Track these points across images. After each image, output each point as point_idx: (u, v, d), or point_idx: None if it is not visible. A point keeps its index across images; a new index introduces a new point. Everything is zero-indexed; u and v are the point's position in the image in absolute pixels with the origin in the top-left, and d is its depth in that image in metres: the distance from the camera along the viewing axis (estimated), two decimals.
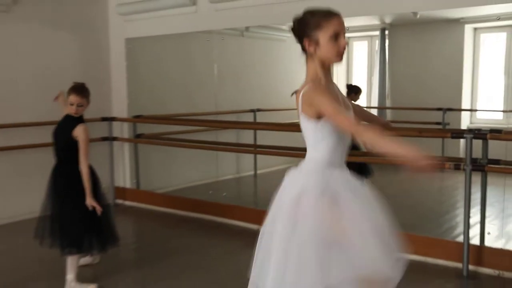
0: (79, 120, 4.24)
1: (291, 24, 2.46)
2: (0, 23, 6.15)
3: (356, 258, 2.30)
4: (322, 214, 2.32)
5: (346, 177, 2.47)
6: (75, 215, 4.15)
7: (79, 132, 4.14)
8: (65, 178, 4.23)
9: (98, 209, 4.07)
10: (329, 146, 2.41)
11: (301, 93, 2.35)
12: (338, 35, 2.34)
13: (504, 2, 4.59)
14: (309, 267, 2.30)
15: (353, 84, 6.29)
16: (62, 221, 4.13)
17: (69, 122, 4.22)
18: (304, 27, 2.36)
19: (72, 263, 4.17)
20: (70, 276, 4.16)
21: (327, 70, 2.43)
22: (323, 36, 2.32)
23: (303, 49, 2.42)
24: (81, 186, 4.16)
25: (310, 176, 2.40)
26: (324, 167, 2.41)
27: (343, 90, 6.53)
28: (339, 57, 2.37)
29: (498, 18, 5.55)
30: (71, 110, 4.19)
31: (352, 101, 2.35)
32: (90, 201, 4.05)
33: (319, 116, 2.32)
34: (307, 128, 2.43)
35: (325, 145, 2.41)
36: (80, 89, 4.20)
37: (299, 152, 4.35)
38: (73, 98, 4.16)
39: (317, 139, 2.43)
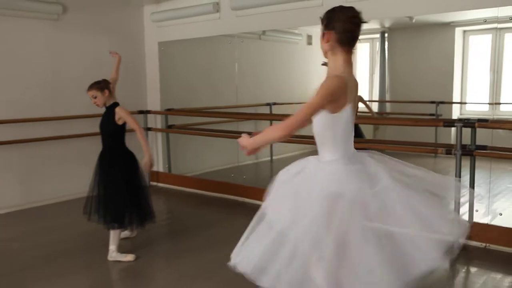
0: (114, 105, 4.27)
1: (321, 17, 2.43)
2: (51, 30, 6.22)
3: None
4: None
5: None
6: (117, 195, 4.17)
7: (119, 112, 4.18)
8: (109, 162, 4.25)
9: (149, 167, 4.17)
10: (338, 133, 2.32)
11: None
12: None
13: (488, 6, 4.52)
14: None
15: None
16: (106, 200, 4.15)
17: (108, 112, 4.28)
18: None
19: (114, 236, 4.22)
20: (112, 247, 4.21)
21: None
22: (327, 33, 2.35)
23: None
24: (123, 169, 4.21)
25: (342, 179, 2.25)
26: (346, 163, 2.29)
27: None
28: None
29: (485, 20, 5.45)
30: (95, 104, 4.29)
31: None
32: (148, 158, 4.15)
33: (334, 109, 2.25)
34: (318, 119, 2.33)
35: (328, 137, 2.36)
36: (89, 86, 4.27)
37: (310, 140, 4.31)
38: (88, 93, 4.27)
39: (325, 130, 2.36)
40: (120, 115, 4.17)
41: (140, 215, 4.27)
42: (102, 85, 4.24)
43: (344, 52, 2.34)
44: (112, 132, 4.27)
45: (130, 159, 4.33)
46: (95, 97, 4.22)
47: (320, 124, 2.32)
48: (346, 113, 2.28)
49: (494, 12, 4.79)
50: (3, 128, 5.74)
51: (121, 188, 4.16)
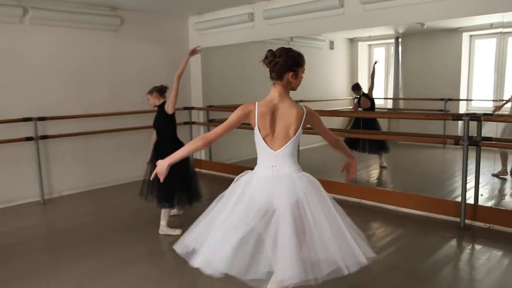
0: (163, 103, 4.36)
1: (267, 53, 2.40)
2: (111, 39, 6.35)
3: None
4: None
5: None
6: (168, 179, 4.19)
7: (167, 103, 4.30)
8: (162, 151, 4.23)
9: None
10: (297, 148, 2.42)
11: (304, 113, 2.35)
12: (303, 71, 2.41)
13: (494, 12, 4.42)
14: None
15: (357, 82, 6.78)
16: (159, 183, 4.18)
17: (159, 109, 4.38)
18: (292, 63, 2.33)
19: (164, 213, 4.31)
20: (162, 222, 4.32)
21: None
22: (300, 71, 2.38)
23: (279, 76, 2.34)
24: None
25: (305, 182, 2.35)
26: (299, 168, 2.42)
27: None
28: (298, 87, 2.44)
29: (491, 25, 5.31)
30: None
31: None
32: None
33: (303, 128, 2.40)
34: (296, 141, 2.38)
35: (296, 151, 2.42)
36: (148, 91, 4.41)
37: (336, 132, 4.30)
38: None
39: (297, 146, 2.42)
40: (167, 102, 4.29)
41: (189, 196, 4.32)
42: (152, 91, 4.40)
43: (276, 84, 2.41)
44: (164, 125, 4.35)
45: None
46: (148, 99, 4.41)
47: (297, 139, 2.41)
48: None
49: (499, 18, 4.68)
50: (73, 122, 5.92)
51: (172, 173, 4.21)
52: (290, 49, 2.38)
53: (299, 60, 2.36)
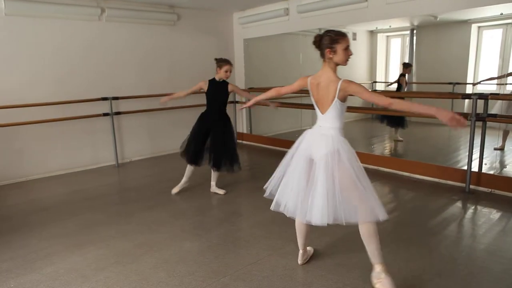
0: (226, 81, 4.14)
1: (313, 38, 2.40)
2: (169, 32, 6.36)
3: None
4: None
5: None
6: (222, 147, 4.12)
7: (231, 86, 4.12)
8: (217, 122, 4.17)
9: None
10: (343, 119, 2.38)
11: (339, 84, 2.29)
12: (347, 47, 2.31)
13: (500, 3, 4.14)
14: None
15: (406, 61, 6.54)
16: (215, 150, 4.11)
17: (222, 85, 4.11)
18: (328, 41, 2.30)
19: (214, 175, 4.34)
20: (213, 182, 4.37)
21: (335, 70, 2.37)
22: (340, 48, 2.30)
23: (323, 55, 2.36)
24: (225, 128, 4.14)
25: (340, 140, 2.34)
26: (341, 133, 2.38)
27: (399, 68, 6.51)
28: (347, 61, 2.36)
29: (502, 14, 5.00)
30: (224, 76, 4.04)
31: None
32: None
33: (345, 99, 2.33)
34: (336, 107, 2.32)
35: (342, 119, 2.37)
36: (228, 61, 4.08)
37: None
38: (229, 67, 4.04)
39: (339, 114, 2.35)
40: (232, 87, 4.12)
41: (232, 162, 4.20)
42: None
43: (323, 61, 2.41)
44: (224, 100, 4.19)
45: (228, 122, 4.23)
46: (230, 71, 4.08)
47: (337, 108, 2.36)
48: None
49: (508, 10, 4.40)
50: (140, 101, 6.04)
51: (223, 142, 4.13)
52: (329, 31, 2.36)
53: (335, 38, 2.30)
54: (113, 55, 5.80)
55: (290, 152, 2.53)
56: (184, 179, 4.39)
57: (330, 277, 2.59)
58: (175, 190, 4.39)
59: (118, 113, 5.79)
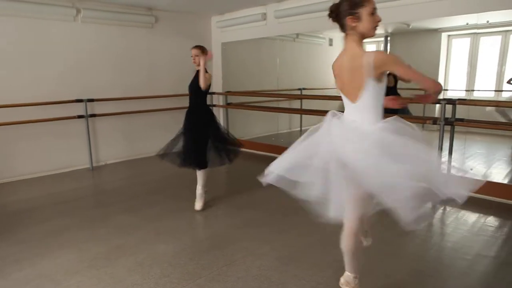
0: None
1: (328, 9, 1.92)
2: (147, 35, 6.31)
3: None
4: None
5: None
6: (199, 143, 3.78)
7: (200, 79, 3.62)
8: (188, 115, 3.83)
9: None
10: (380, 101, 1.89)
11: (369, 58, 1.77)
12: (374, 11, 1.86)
13: (466, 13, 4.31)
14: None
15: None
16: (191, 150, 3.77)
17: (196, 74, 3.78)
18: (348, 7, 1.85)
19: (200, 175, 3.95)
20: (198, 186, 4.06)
21: (362, 43, 1.89)
22: (365, 12, 1.83)
23: (343, 26, 1.90)
24: (195, 122, 3.76)
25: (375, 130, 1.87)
26: (380, 118, 1.91)
27: None
28: (374, 30, 1.87)
29: (467, 24, 5.20)
30: (194, 63, 3.69)
31: None
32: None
33: (381, 78, 1.83)
34: (369, 91, 1.84)
35: (380, 107, 1.90)
36: (195, 46, 3.76)
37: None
38: (192, 51, 3.71)
39: (375, 101, 1.87)
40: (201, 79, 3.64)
41: (226, 153, 3.86)
42: (203, 48, 3.77)
43: (344, 36, 1.96)
44: (193, 90, 3.74)
45: (201, 115, 3.81)
46: (195, 56, 3.68)
47: (371, 89, 1.87)
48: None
49: (474, 20, 4.57)
50: (116, 103, 5.95)
51: (201, 138, 3.78)
52: None
53: (358, 1, 1.83)
54: (89, 57, 5.70)
55: (306, 134, 2.06)
56: (198, 188, 3.95)
57: (303, 276, 2.62)
58: (197, 207, 3.95)
59: (93, 115, 5.69)
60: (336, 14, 1.89)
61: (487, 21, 5.22)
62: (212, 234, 3.38)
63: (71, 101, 5.43)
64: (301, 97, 7.11)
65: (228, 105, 7.20)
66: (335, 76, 1.99)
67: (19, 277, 2.69)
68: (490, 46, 5.96)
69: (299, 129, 7.63)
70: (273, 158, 2.28)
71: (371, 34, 1.89)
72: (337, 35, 7.56)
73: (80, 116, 5.52)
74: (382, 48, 7.26)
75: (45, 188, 4.79)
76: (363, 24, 1.85)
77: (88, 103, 5.59)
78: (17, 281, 2.64)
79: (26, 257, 2.98)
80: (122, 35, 6.00)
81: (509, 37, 5.71)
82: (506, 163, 5.31)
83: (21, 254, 3.03)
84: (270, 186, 2.18)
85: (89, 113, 5.61)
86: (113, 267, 2.79)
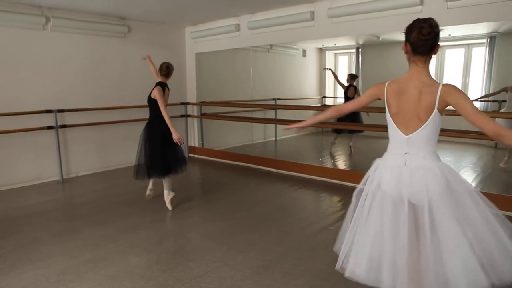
0: (158, 83, 3.96)
1: (432, 24, 1.75)
2: (120, 44, 6.26)
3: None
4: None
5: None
6: (155, 156, 3.98)
7: (155, 91, 3.88)
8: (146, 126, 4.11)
9: (178, 139, 3.75)
10: (437, 140, 1.78)
11: (439, 90, 1.67)
12: None
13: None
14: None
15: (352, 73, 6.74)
16: (149, 162, 3.99)
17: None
18: (438, 36, 1.75)
19: (165, 182, 4.16)
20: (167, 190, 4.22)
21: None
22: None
23: (430, 49, 1.75)
24: (149, 132, 4.02)
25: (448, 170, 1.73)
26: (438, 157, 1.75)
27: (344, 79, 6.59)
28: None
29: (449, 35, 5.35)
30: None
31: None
32: (175, 136, 3.79)
33: (443, 112, 1.73)
34: (434, 123, 1.72)
35: (436, 139, 1.78)
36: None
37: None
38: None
39: (435, 134, 1.76)
40: (155, 93, 3.87)
41: (176, 164, 4.07)
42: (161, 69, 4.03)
43: (413, 61, 1.82)
44: (148, 101, 4.00)
45: (154, 126, 4.02)
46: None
47: (435, 123, 1.75)
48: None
49: (444, 33, 4.76)
50: (87, 114, 5.85)
51: (157, 151, 4.00)
52: (431, 21, 1.75)
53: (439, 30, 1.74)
54: (59, 66, 5.60)
55: (363, 198, 1.86)
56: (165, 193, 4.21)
57: (277, 286, 2.64)
58: (170, 207, 4.21)
59: (63, 126, 5.57)
60: (435, 34, 1.74)
61: (449, 35, 5.46)
62: (185, 245, 3.36)
63: (41, 112, 5.31)
64: (275, 107, 7.21)
65: (202, 115, 7.20)
66: (387, 99, 1.85)
67: None
68: (454, 58, 6.22)
69: (274, 139, 7.71)
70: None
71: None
72: (310, 46, 7.71)
73: (49, 127, 5.40)
74: (354, 59, 7.47)
75: (13, 201, 4.64)
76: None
77: (58, 114, 5.47)
78: None
79: None
80: (94, 44, 5.93)
81: (472, 50, 5.99)
82: (471, 170, 5.51)
83: None
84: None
85: (59, 124, 5.50)
86: (81, 282, 2.73)
